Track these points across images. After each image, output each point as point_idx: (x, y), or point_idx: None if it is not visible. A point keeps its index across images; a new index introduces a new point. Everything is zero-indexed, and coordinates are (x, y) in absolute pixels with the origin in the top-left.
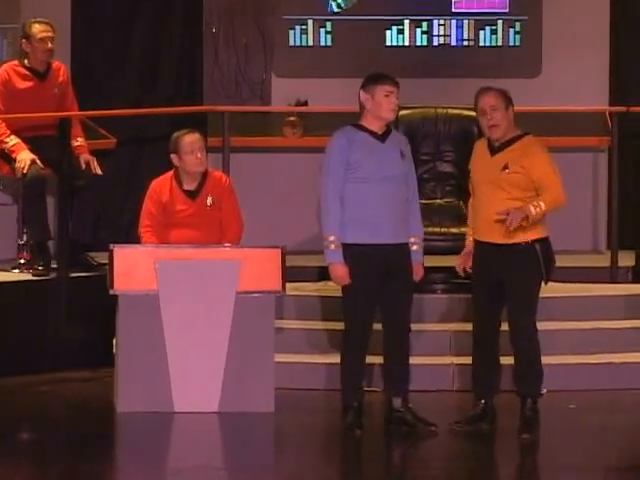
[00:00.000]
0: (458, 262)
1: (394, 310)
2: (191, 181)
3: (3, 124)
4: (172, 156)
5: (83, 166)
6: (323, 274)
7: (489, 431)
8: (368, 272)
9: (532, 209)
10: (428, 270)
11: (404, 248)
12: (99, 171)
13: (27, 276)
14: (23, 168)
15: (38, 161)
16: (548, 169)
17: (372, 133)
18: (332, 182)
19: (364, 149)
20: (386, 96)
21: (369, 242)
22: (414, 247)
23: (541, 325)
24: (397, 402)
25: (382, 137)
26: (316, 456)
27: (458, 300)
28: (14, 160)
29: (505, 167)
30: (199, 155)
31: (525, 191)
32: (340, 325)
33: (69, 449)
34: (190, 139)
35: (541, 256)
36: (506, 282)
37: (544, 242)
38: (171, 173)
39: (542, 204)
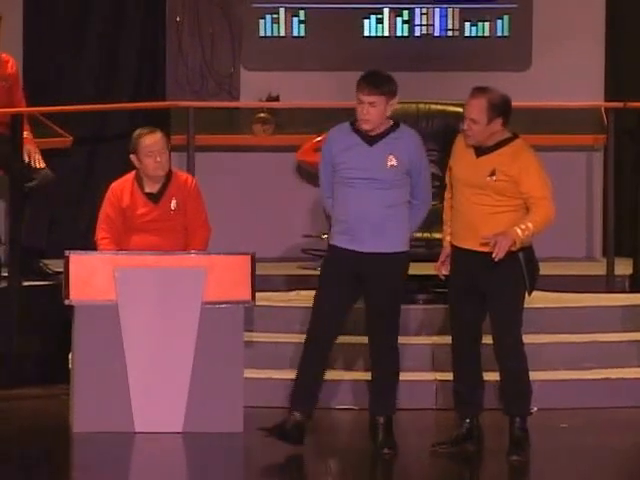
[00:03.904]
0: (437, 266)
1: (371, 325)
2: (153, 183)
3: None
4: (131, 157)
5: (26, 159)
6: (295, 283)
7: (475, 452)
8: (337, 278)
9: (519, 232)
10: (409, 278)
11: (383, 259)
12: (42, 164)
13: None
14: None
15: None
16: (537, 182)
17: (361, 134)
18: (321, 179)
19: (349, 150)
20: (359, 103)
21: (345, 247)
22: None
23: (532, 338)
24: (380, 420)
25: (371, 139)
26: (288, 478)
27: (441, 311)
28: None
29: (492, 173)
30: (159, 159)
31: (512, 199)
32: None
33: (21, 472)
34: (150, 141)
35: (524, 265)
36: (487, 293)
37: (527, 250)
38: (132, 174)
39: (530, 225)
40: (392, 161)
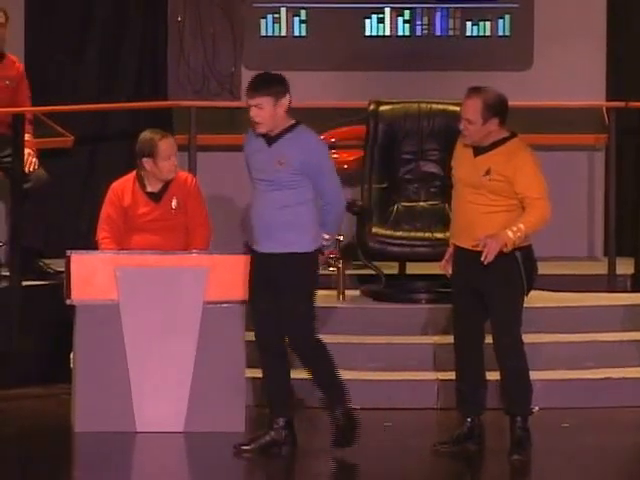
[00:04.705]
0: (442, 265)
1: (283, 327)
2: (155, 183)
3: None
4: (145, 160)
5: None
6: None
7: (477, 452)
8: (253, 279)
9: (510, 234)
10: (411, 278)
11: (280, 260)
12: (35, 167)
13: None
14: None
15: None
16: (532, 182)
17: (263, 135)
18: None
19: (255, 152)
20: (248, 107)
21: (253, 248)
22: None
23: (533, 338)
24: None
25: (270, 139)
26: (290, 478)
27: (443, 310)
28: None
29: (487, 172)
30: (175, 161)
31: (507, 199)
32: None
33: (22, 472)
34: (167, 145)
35: (522, 266)
36: (485, 294)
37: (525, 250)
38: (133, 174)
39: (522, 227)
40: (281, 161)
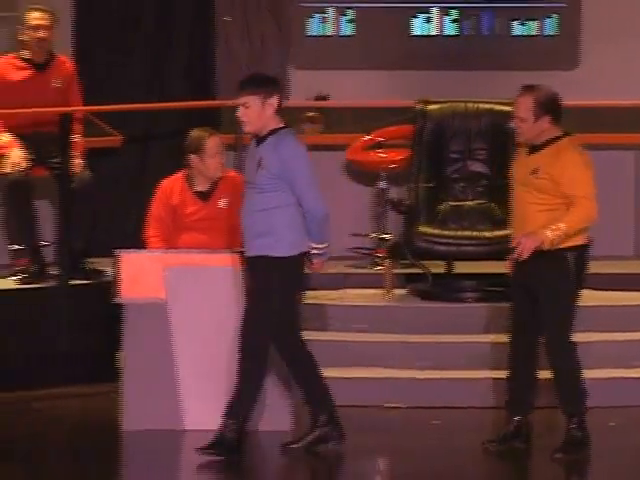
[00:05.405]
0: (507, 264)
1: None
2: (204, 182)
3: None
4: (192, 157)
5: None
6: (343, 281)
7: (524, 450)
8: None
9: (549, 233)
10: (458, 277)
11: (254, 262)
12: (78, 169)
13: (24, 285)
14: (9, 168)
15: (25, 163)
16: (578, 181)
17: (256, 137)
18: None
19: (248, 154)
20: (237, 107)
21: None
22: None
23: (581, 336)
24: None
25: (258, 142)
26: (337, 477)
27: (490, 309)
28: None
29: (535, 170)
30: (221, 159)
31: (554, 197)
32: (358, 336)
33: (70, 472)
34: (215, 142)
35: (573, 267)
36: (536, 292)
37: (578, 251)
38: (182, 173)
39: (562, 226)
40: (260, 165)
